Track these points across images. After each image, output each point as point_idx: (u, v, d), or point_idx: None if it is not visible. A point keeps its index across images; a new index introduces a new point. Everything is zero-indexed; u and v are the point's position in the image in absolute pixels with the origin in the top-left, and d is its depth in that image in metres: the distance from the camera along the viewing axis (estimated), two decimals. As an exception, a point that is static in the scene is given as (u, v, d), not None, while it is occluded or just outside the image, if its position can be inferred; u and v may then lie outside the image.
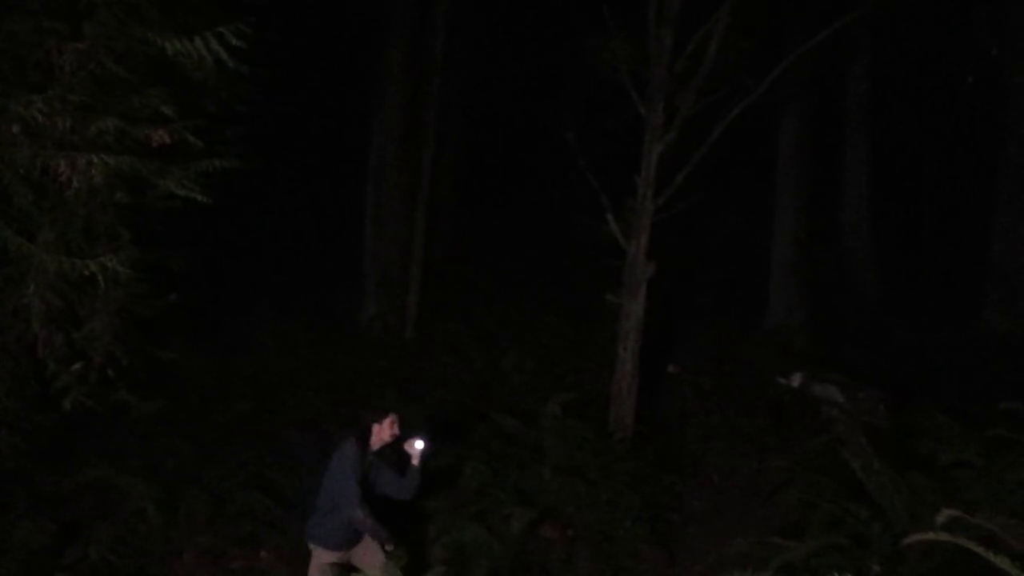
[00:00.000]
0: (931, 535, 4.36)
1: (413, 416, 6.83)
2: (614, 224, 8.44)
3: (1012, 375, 10.42)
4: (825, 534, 6.01)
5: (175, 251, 6.51)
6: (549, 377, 10.28)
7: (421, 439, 5.86)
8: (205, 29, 5.52)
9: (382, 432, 5.78)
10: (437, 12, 11.46)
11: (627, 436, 8.37)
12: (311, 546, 5.76)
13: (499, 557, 6.66)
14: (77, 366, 6.14)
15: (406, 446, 5.88)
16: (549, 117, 15.62)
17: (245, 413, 8.88)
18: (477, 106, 14.80)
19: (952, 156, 16.33)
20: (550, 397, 8.85)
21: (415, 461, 5.88)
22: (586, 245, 10.20)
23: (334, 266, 12.85)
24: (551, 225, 15.32)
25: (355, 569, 5.63)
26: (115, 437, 7.74)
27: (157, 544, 6.65)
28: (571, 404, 8.65)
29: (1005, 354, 11.73)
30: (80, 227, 5.85)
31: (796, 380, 9.79)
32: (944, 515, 4.42)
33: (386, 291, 11.76)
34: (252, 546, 6.82)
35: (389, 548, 5.66)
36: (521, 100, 16.39)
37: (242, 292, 11.69)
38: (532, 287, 13.16)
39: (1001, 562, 4.05)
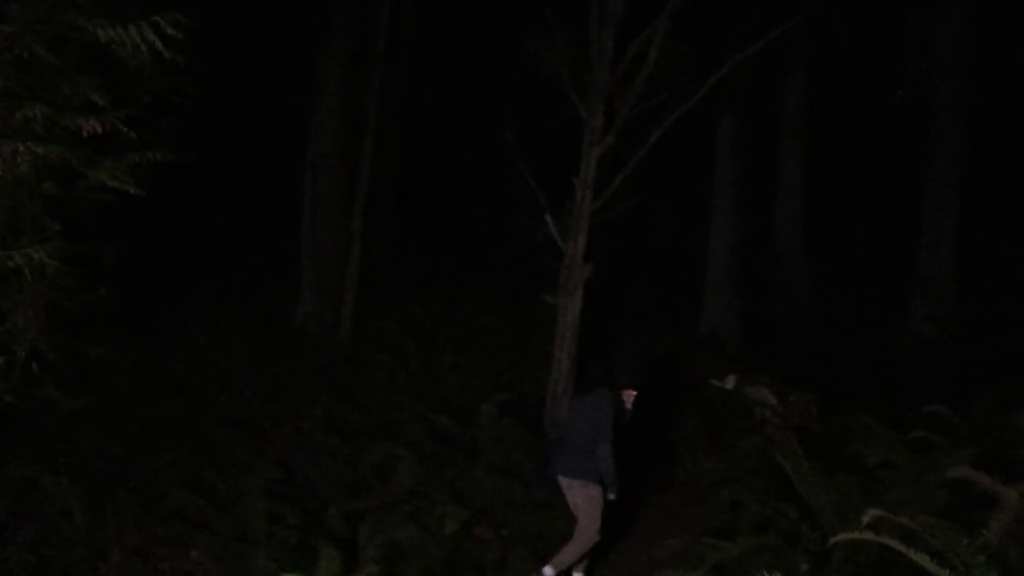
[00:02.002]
0: (857, 534, 4.46)
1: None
2: (552, 225, 8.49)
3: (936, 379, 10.73)
4: (756, 534, 6.11)
5: (106, 244, 6.36)
6: (485, 377, 10.28)
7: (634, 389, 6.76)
8: (140, 17, 5.40)
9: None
10: (378, 9, 11.38)
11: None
12: (584, 484, 6.35)
13: (433, 557, 6.64)
14: (-1, 361, 5.97)
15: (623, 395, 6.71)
16: (490, 117, 15.64)
17: (177, 411, 8.71)
18: (418, 104, 14.74)
19: (883, 166, 16.73)
20: (486, 397, 8.88)
21: (628, 405, 6.69)
22: (525, 245, 10.23)
23: (270, 262, 12.68)
24: (490, 225, 15.32)
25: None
26: (39, 435, 7.53)
27: (82, 545, 6.48)
28: (507, 404, 8.68)
29: (930, 359, 12.06)
30: (5, 217, 5.68)
31: (730, 382, 9.93)
32: (869, 515, 4.54)
33: (322, 288, 11.64)
34: (182, 546, 6.68)
35: (612, 496, 6.39)
36: (462, 99, 16.37)
37: (176, 287, 11.48)
38: (470, 286, 13.15)
39: (921, 559, 4.18)
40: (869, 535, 4.42)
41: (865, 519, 4.53)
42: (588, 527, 6.36)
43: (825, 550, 5.41)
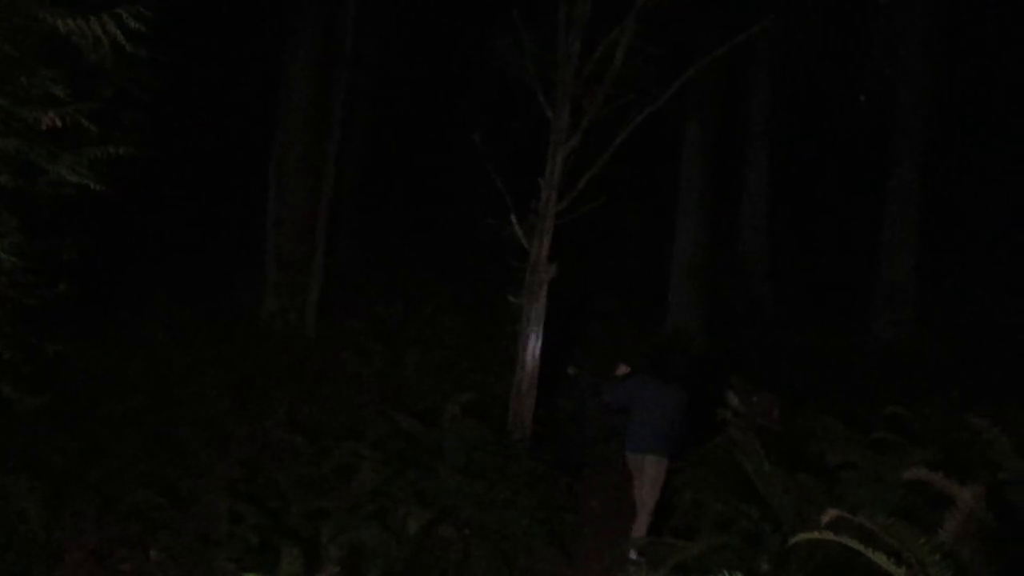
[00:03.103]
0: (816, 534, 4.50)
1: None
2: (517, 225, 8.48)
3: (896, 381, 10.86)
4: (717, 534, 6.15)
5: (66, 240, 6.27)
6: (450, 376, 10.25)
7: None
8: (102, 9, 5.31)
9: None
10: (347, 7, 11.32)
11: (526, 436, 8.41)
12: (659, 459, 7.26)
13: (395, 557, 6.63)
14: (-47, 358, 5.86)
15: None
16: (456, 116, 15.62)
17: (137, 409, 8.60)
18: (384, 103, 14.68)
19: (846, 170, 16.93)
20: (450, 396, 8.85)
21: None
22: (490, 245, 10.22)
23: (234, 260, 12.57)
24: (455, 224, 15.30)
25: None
26: (-5, 433, 7.41)
27: (40, 546, 6.39)
28: (471, 404, 8.65)
29: (890, 361, 12.21)
30: (-40, 212, 5.58)
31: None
32: (829, 515, 4.56)
33: (287, 287, 11.55)
34: (141, 546, 6.61)
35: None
36: (429, 99, 16.34)
37: (138, 284, 11.35)
38: (435, 286, 13.11)
39: (879, 559, 4.21)
40: (828, 535, 4.45)
41: (824, 519, 4.56)
42: (653, 495, 7.22)
43: (785, 550, 5.44)
